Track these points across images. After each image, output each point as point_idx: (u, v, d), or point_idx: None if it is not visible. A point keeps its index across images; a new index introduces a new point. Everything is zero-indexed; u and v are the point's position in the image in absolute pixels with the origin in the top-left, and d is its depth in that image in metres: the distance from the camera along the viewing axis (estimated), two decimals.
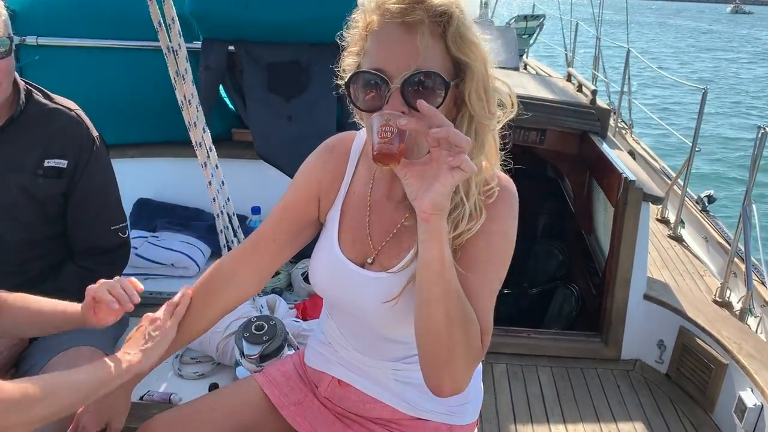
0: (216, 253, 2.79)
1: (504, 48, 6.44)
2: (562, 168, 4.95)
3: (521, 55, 8.65)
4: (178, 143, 2.80)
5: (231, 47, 2.69)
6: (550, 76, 6.46)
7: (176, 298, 1.47)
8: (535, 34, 12.44)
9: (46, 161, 1.95)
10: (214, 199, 1.91)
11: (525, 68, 7.83)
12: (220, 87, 2.90)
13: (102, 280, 1.50)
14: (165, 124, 2.78)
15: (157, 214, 3.09)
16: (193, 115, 1.66)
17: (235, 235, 2.20)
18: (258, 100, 2.65)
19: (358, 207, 1.40)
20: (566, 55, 9.77)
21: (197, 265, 2.77)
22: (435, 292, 1.10)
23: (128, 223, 3.12)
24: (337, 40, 1.26)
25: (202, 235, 2.91)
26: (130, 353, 1.37)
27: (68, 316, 1.57)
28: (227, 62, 2.71)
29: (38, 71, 2.76)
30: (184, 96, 1.59)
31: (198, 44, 2.73)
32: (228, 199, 2.05)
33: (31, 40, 2.71)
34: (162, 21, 1.44)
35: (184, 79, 1.56)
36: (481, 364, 1.56)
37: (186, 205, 3.18)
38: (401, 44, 1.09)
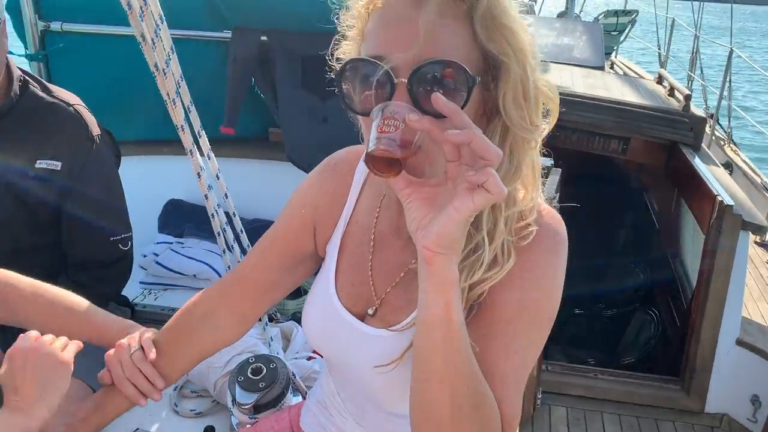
0: (245, 253, 2.52)
1: (589, 45, 5.91)
2: (645, 181, 4.45)
3: (609, 53, 8.04)
4: (215, 140, 2.57)
5: (264, 37, 2.41)
6: (639, 77, 5.89)
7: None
8: (625, 31, 11.69)
9: (38, 162, 1.75)
10: (213, 215, 1.63)
11: (612, 67, 7.23)
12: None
13: (119, 364, 1.19)
14: (202, 119, 2.58)
15: (186, 218, 2.87)
16: (180, 116, 1.38)
17: (244, 254, 1.92)
18: (291, 98, 2.36)
19: (360, 242, 1.14)
20: (659, 54, 9.05)
21: (220, 277, 2.52)
22: (437, 365, 0.84)
23: (158, 228, 2.97)
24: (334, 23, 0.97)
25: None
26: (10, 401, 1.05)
27: (98, 331, 1.33)
28: (259, 54, 2.42)
29: (63, 59, 2.61)
30: (168, 94, 1.31)
31: (228, 33, 2.47)
32: (234, 213, 1.77)
33: (56, 26, 2.55)
34: (132, 1, 1.15)
35: (165, 74, 1.27)
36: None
37: None
38: (410, 25, 0.83)
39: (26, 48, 2.58)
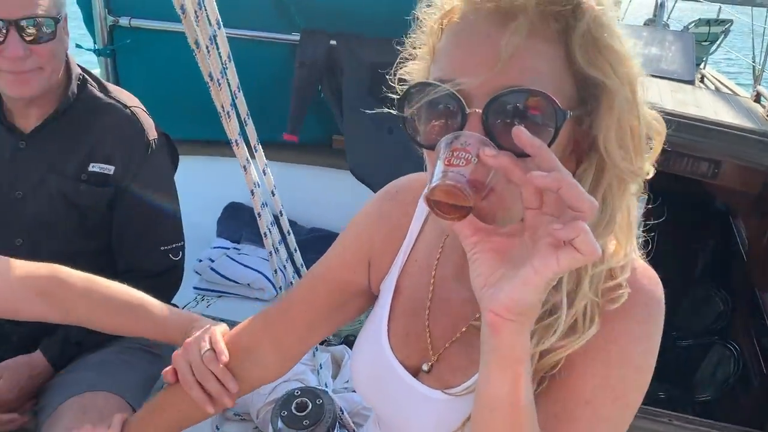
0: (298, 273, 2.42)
1: (679, 56, 5.52)
2: (735, 207, 4.11)
3: (698, 65, 7.57)
4: (277, 144, 2.49)
5: (333, 41, 2.29)
6: (733, 93, 5.47)
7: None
8: (717, 42, 11.04)
9: (91, 165, 1.69)
10: (265, 234, 1.52)
11: (702, 81, 6.78)
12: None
13: (188, 365, 1.09)
14: (266, 123, 2.50)
15: (245, 222, 2.79)
16: (235, 130, 1.26)
17: (298, 274, 1.81)
18: (356, 106, 2.23)
19: (418, 284, 1.02)
20: (754, 67, 8.48)
21: (275, 289, 2.42)
22: None
23: (216, 231, 2.91)
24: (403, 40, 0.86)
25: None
26: None
27: (159, 327, 1.25)
28: (327, 59, 2.30)
29: (130, 54, 2.57)
30: (222, 106, 1.20)
31: (296, 36, 2.36)
32: (289, 232, 1.65)
33: (124, 21, 2.51)
34: (186, 5, 1.04)
35: (219, 85, 1.16)
36: None
37: None
38: (491, 45, 0.70)
39: (95, 43, 2.55)
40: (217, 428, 1.76)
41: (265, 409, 1.69)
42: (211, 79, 1.16)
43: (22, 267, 1.18)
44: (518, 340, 0.67)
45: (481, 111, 0.69)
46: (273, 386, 1.70)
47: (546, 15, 0.70)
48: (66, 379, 1.66)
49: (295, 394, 1.51)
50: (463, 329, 0.94)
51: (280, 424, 1.47)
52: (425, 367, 0.96)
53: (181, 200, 1.86)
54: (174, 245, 1.81)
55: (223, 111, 1.22)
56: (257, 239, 2.66)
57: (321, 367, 1.76)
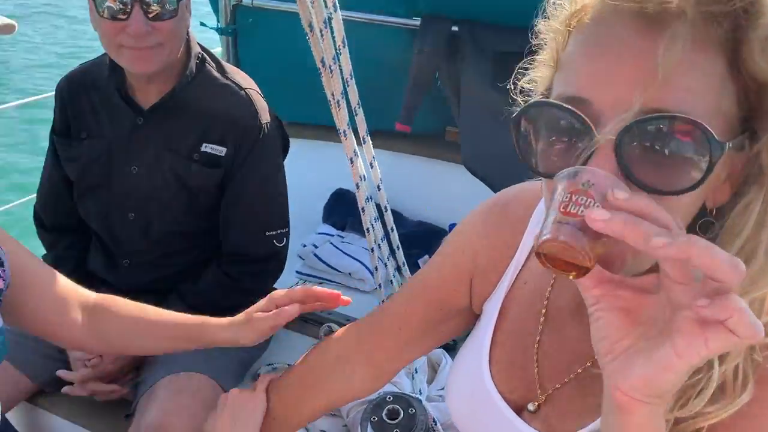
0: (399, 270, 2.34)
1: None
2: None
3: None
4: (386, 132, 2.42)
5: (455, 27, 2.17)
6: None
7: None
8: None
9: (204, 146, 1.69)
10: (368, 230, 1.44)
11: None
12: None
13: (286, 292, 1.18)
14: (377, 111, 2.44)
15: (351, 210, 2.74)
16: (344, 120, 1.19)
17: (399, 272, 1.72)
18: (475, 97, 2.10)
19: (527, 311, 0.91)
20: None
21: (375, 284, 2.36)
22: None
23: (322, 217, 2.88)
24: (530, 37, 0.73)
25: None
26: None
27: (188, 330, 1.24)
28: (447, 47, 2.19)
29: (251, 34, 2.57)
30: (332, 94, 1.12)
31: (416, 21, 2.26)
32: (392, 228, 1.57)
33: (247, 0, 2.49)
34: None
35: (331, 71, 1.09)
36: None
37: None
38: (631, 56, 0.56)
39: (218, 21, 2.58)
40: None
41: (355, 409, 1.63)
42: (323, 65, 1.09)
43: (70, 285, 1.19)
44: (651, 423, 0.55)
45: (614, 138, 0.56)
46: None
47: (708, 18, 0.55)
48: (164, 357, 1.68)
49: (387, 399, 1.43)
50: (579, 370, 0.82)
51: (369, 429, 1.40)
52: (531, 407, 0.86)
53: (290, 184, 1.83)
54: (279, 231, 1.78)
55: (333, 99, 1.15)
56: (361, 228, 2.62)
57: (416, 372, 1.67)
